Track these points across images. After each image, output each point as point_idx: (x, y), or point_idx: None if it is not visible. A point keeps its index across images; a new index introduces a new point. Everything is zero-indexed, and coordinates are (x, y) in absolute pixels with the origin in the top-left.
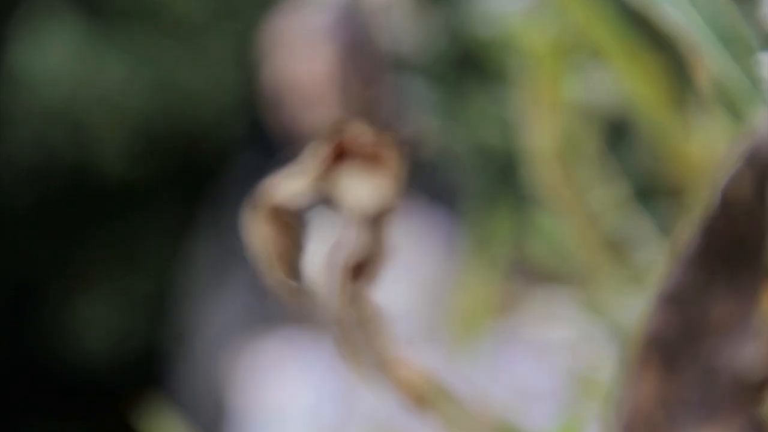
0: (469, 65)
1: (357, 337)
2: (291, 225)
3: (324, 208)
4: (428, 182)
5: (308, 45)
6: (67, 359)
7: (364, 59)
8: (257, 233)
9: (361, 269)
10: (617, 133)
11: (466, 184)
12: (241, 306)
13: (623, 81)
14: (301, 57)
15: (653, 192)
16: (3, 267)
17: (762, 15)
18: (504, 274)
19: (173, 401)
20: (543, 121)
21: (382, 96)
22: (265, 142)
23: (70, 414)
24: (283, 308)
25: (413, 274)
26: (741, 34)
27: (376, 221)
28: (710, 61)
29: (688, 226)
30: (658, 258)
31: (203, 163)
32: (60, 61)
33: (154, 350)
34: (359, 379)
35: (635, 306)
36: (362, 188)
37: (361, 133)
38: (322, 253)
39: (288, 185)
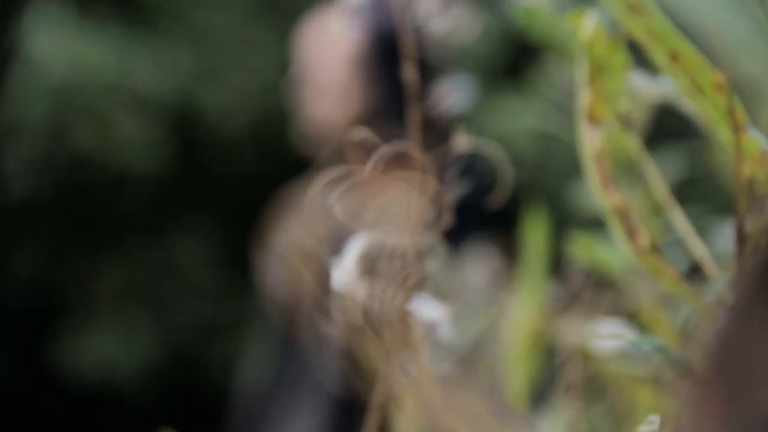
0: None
1: (394, 353)
2: (322, 249)
3: (359, 228)
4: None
5: (330, 40)
6: (87, 375)
7: (390, 53)
8: (288, 257)
9: (398, 287)
10: (662, 135)
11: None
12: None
13: (670, 83)
14: (323, 53)
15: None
16: (24, 274)
17: None
18: (548, 286)
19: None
20: (589, 122)
21: (421, 90)
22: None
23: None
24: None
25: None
26: None
27: (410, 241)
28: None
29: (748, 259)
30: (701, 268)
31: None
32: (59, 48)
33: (178, 367)
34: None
35: (680, 316)
36: (396, 208)
37: (392, 151)
38: (357, 272)
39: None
